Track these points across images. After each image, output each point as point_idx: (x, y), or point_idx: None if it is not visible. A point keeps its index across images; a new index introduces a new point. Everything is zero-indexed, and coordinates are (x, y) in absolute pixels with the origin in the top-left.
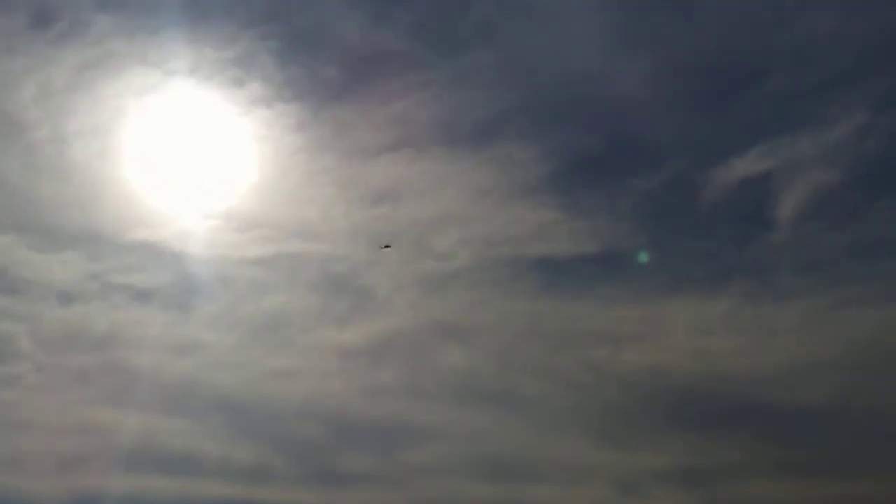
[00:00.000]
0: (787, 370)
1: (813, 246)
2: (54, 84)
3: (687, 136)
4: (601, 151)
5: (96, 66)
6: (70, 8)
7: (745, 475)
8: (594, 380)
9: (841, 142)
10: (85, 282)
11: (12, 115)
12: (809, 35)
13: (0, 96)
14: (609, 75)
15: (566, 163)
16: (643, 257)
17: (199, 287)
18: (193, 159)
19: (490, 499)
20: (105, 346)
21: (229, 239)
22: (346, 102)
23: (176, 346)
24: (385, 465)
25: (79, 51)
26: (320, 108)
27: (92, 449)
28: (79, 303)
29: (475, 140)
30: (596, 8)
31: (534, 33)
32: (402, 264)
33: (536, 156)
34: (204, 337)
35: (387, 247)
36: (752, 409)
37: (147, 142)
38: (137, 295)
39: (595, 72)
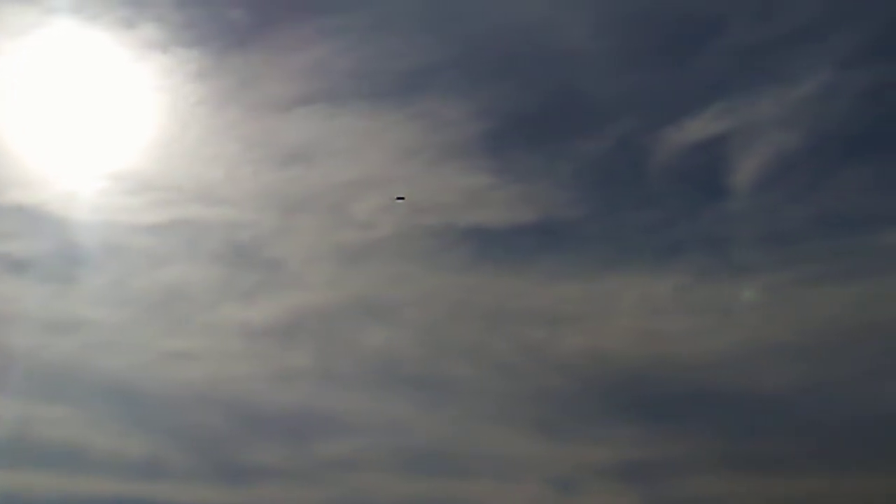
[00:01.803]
0: (743, 354)
1: (773, 217)
2: None
3: (635, 94)
4: (540, 109)
5: None
6: None
7: (694, 470)
8: (531, 364)
9: (805, 101)
10: None
11: None
12: None
13: None
14: (550, 24)
15: (501, 121)
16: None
17: (85, 257)
18: (77, 111)
19: (414, 495)
20: None
21: (119, 202)
22: (253, 48)
23: (57, 323)
24: (297, 458)
25: None
26: (224, 54)
27: None
28: None
29: (399, 94)
30: None
31: None
32: (317, 233)
33: (468, 113)
34: (89, 314)
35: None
36: (703, 396)
37: (23, 90)
38: (12, 265)
39: (535, 20)
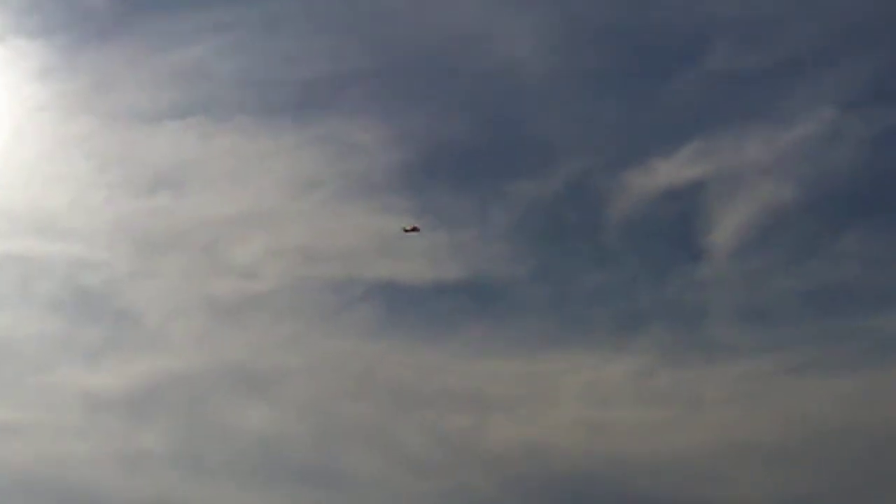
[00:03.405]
0: (711, 456)
1: (756, 288)
2: None
3: (592, 126)
4: (473, 139)
5: None
6: None
7: None
8: (448, 458)
9: (799, 146)
10: None
11: None
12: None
13: None
14: (491, 34)
15: (423, 151)
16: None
17: None
18: None
19: None
20: None
21: None
22: (115, 44)
23: None
24: None
25: None
26: (78, 49)
27: None
28: None
29: (296, 110)
30: None
31: None
32: (184, 280)
33: (382, 138)
34: None
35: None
36: None
37: None
38: None
39: (472, 28)
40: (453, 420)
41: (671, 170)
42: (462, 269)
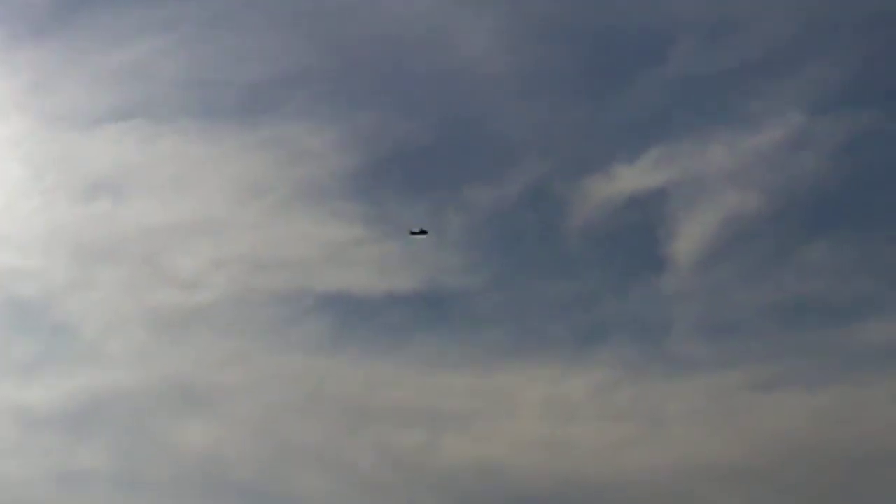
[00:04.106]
0: (673, 474)
1: (720, 299)
2: None
3: (551, 130)
4: (428, 143)
5: None
6: None
7: None
8: (400, 476)
9: (766, 152)
10: None
11: None
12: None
13: None
14: (449, 35)
15: (377, 155)
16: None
17: None
18: None
19: None
20: None
21: None
22: (51, 42)
23: None
24: None
25: None
26: (12, 46)
27: None
28: None
29: (243, 113)
30: None
31: None
32: (124, 291)
33: (333, 142)
34: None
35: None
36: None
37: None
38: None
39: (429, 28)
40: (406, 437)
41: (633, 176)
42: (416, 280)
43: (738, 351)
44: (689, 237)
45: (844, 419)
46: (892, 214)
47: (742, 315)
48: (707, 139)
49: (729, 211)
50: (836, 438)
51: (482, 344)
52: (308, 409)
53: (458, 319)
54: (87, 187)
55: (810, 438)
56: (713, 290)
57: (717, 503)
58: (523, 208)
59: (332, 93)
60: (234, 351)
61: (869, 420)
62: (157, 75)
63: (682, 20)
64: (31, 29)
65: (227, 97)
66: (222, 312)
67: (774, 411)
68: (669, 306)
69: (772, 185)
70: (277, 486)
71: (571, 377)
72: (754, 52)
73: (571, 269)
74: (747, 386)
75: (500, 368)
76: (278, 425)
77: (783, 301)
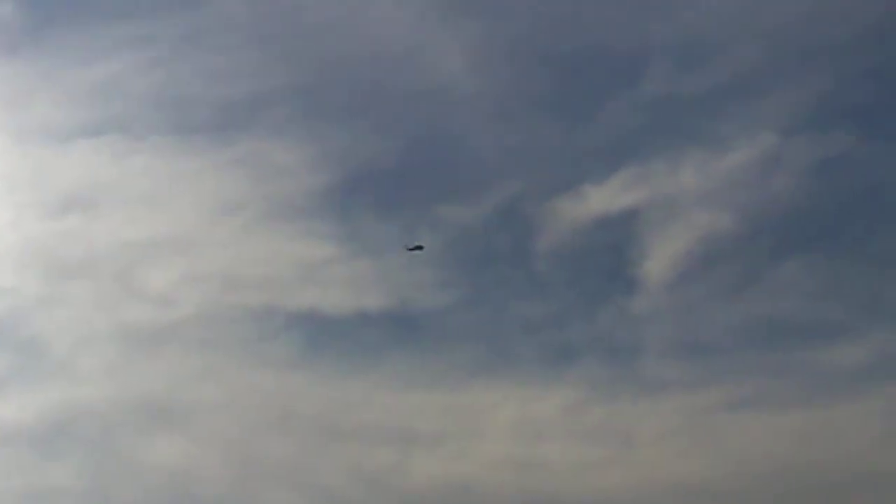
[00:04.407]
0: (644, 496)
1: (692, 320)
2: None
3: (523, 150)
4: (400, 162)
5: None
6: None
7: None
8: (371, 495)
9: (737, 173)
10: None
11: None
12: (701, 21)
13: None
14: (422, 54)
15: (349, 174)
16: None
17: None
18: None
19: None
20: None
21: None
22: (24, 58)
23: None
24: None
25: None
26: None
27: None
28: None
29: (216, 130)
30: None
31: None
32: (95, 307)
33: (306, 160)
34: None
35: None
36: None
37: None
38: None
39: (402, 47)
40: (376, 456)
41: (604, 197)
42: (387, 298)
43: (708, 371)
44: (661, 258)
45: (816, 440)
46: (863, 236)
47: (713, 336)
48: (678, 160)
49: (700, 232)
50: (808, 459)
51: (453, 363)
52: (279, 427)
53: (429, 339)
54: (59, 203)
55: (782, 459)
56: (684, 310)
57: None
58: (495, 228)
59: (306, 111)
60: (205, 368)
61: (841, 441)
62: (130, 92)
63: (654, 42)
64: (5, 45)
65: (200, 114)
66: (194, 329)
67: (745, 432)
68: (640, 327)
69: (743, 206)
70: None
71: (543, 397)
72: (726, 74)
73: (543, 288)
74: (718, 406)
75: (471, 388)
76: (249, 443)
77: (754, 322)
